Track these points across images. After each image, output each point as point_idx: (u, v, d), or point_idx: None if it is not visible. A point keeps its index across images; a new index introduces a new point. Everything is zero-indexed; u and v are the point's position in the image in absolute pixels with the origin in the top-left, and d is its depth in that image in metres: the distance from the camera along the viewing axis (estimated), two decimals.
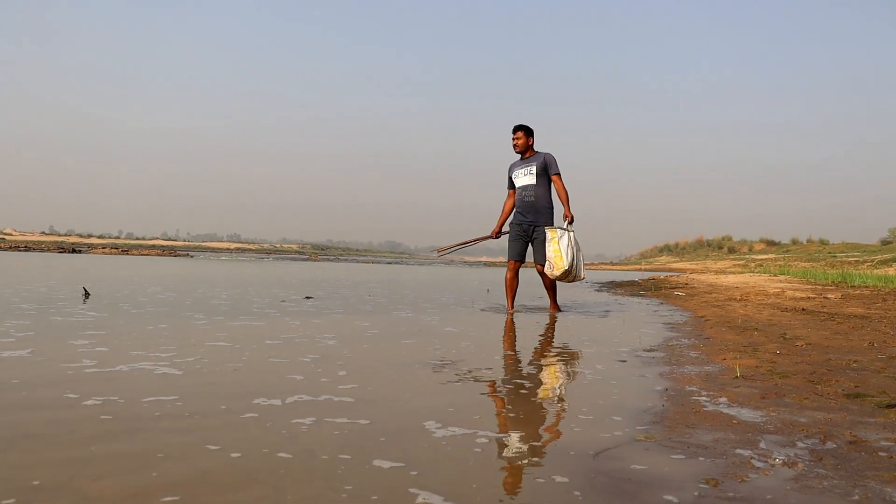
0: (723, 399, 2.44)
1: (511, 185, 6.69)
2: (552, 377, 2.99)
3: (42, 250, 33.32)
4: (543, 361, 3.44)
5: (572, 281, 6.35)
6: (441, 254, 7.25)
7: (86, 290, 6.39)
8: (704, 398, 2.46)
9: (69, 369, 2.67)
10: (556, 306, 6.63)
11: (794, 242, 47.24)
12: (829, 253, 36.23)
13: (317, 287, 9.55)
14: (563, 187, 6.43)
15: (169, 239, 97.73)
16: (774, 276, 16.44)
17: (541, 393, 2.59)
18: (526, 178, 6.50)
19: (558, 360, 3.46)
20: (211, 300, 6.27)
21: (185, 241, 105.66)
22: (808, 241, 45.94)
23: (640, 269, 41.33)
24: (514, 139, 6.57)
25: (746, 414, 2.22)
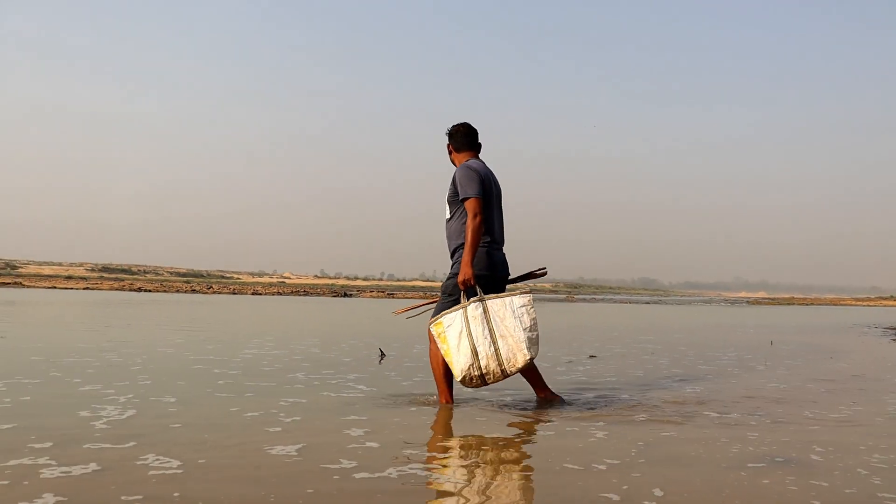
0: None
1: None
2: None
3: (318, 294, 36.56)
4: None
5: (502, 378, 3.61)
6: (402, 314, 4.55)
7: (382, 352, 6.33)
8: None
9: None
10: (546, 391, 4.05)
11: None
12: None
13: (584, 341, 8.86)
14: (472, 220, 3.79)
15: (427, 280, 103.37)
16: None
17: None
18: (446, 208, 4.09)
19: None
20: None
21: (440, 281, 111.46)
22: None
23: None
24: None
25: None
